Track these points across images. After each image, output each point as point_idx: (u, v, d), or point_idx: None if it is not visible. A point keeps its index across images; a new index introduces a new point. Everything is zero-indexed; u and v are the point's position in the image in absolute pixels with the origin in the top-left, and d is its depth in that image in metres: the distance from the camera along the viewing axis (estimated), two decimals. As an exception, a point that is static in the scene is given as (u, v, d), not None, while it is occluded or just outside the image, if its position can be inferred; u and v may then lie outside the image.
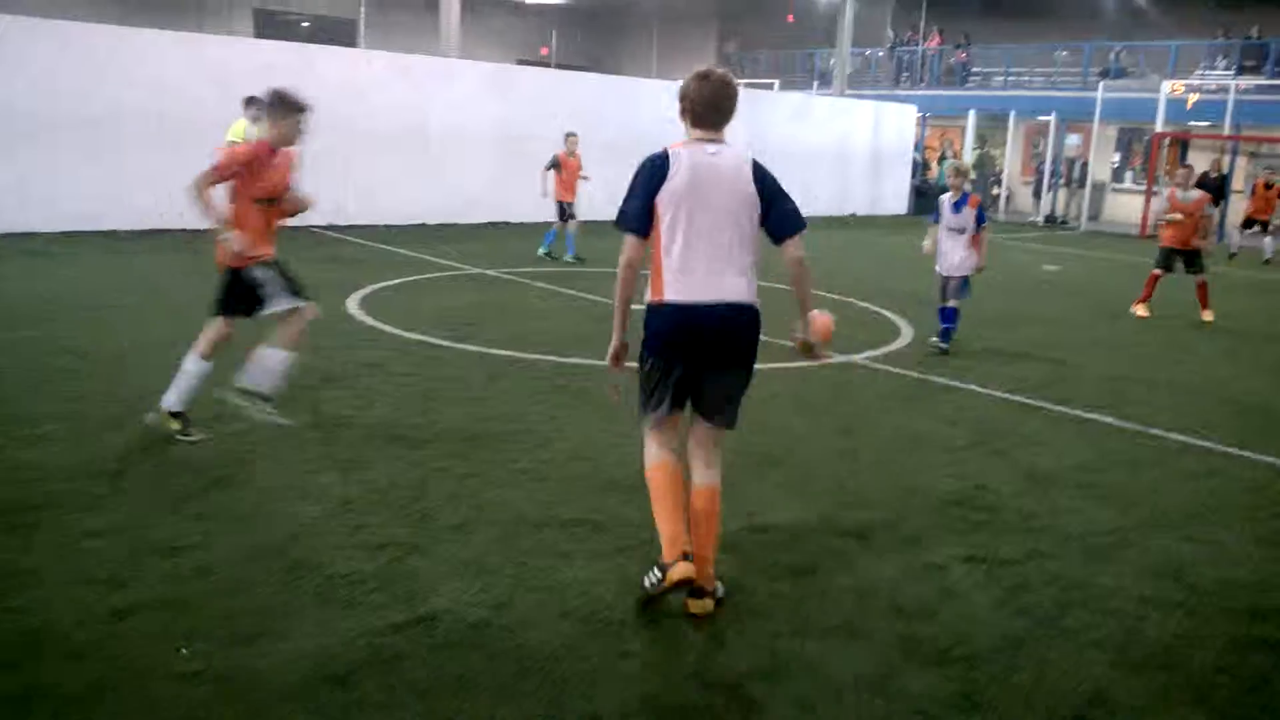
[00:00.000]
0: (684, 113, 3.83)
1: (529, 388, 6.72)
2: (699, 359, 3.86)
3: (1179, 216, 10.99)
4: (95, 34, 13.67)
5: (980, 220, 8.53)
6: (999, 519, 4.83)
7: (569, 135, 13.32)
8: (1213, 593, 4.13)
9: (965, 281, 8.62)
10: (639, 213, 3.73)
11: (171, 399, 5.36)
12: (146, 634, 3.36)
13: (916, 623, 3.73)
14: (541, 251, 13.39)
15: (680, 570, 3.56)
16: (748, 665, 3.37)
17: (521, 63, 34.65)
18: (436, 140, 16.85)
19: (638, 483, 4.97)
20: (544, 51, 40.52)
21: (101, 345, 7.29)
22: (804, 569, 4.14)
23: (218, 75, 14.34)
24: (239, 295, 5.37)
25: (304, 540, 4.14)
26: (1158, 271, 11.31)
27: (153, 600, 3.58)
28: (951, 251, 8.58)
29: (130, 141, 13.70)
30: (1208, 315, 10.96)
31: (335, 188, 15.71)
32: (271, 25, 33.37)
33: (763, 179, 3.81)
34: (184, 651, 3.26)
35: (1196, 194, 11.16)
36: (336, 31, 34.65)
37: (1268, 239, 18.42)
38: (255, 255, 5.34)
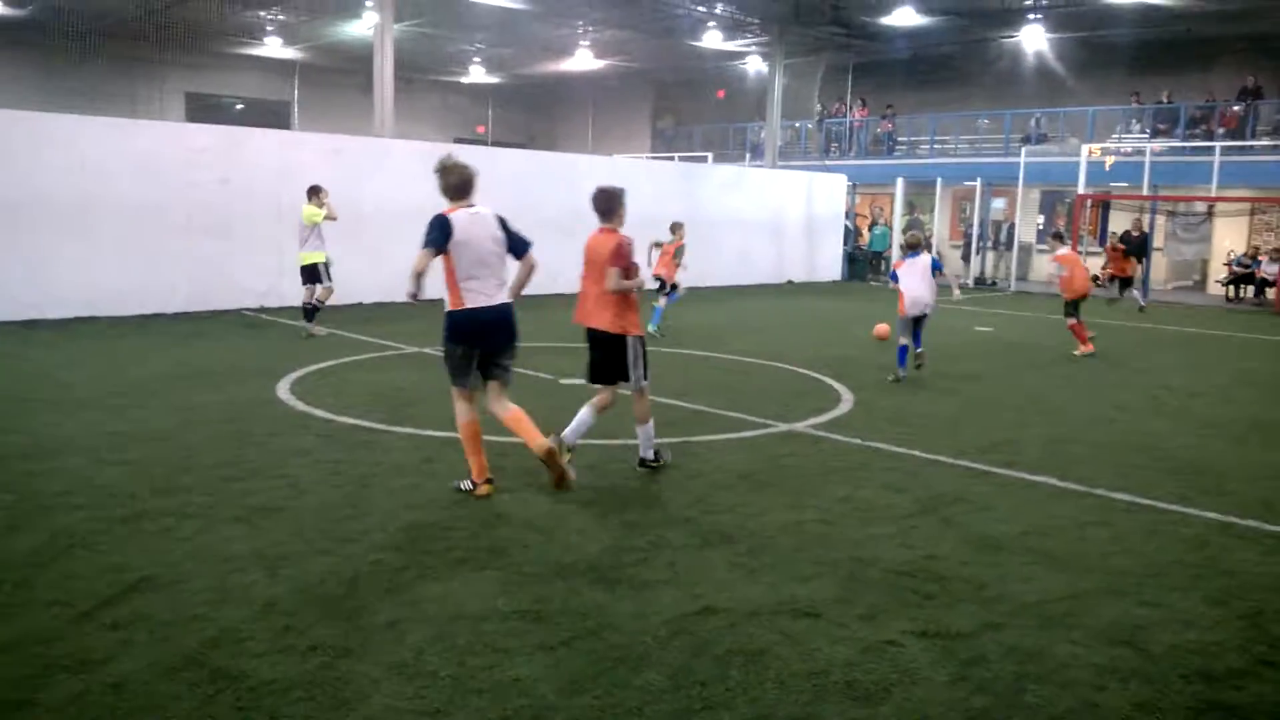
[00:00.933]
0: (444, 192, 5.94)
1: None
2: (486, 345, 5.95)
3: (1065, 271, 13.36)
4: (15, 120, 13.38)
5: (935, 266, 10.72)
6: (951, 589, 4.74)
7: (675, 223, 14.19)
8: (1168, 658, 4.06)
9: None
10: (439, 242, 5.70)
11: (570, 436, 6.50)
12: (49, 762, 3.10)
13: (874, 706, 3.60)
14: (653, 329, 13.34)
15: (485, 489, 5.97)
16: (700, 763, 3.19)
17: (458, 141, 34.89)
18: (371, 219, 16.71)
19: (582, 567, 4.83)
20: (480, 129, 40.88)
21: (7, 440, 6.94)
22: (757, 653, 3.99)
23: (146, 161, 14.14)
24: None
25: (225, 647, 3.89)
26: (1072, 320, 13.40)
27: (58, 722, 3.31)
28: (920, 291, 10.50)
29: (52, 228, 13.35)
30: (1086, 348, 13.17)
31: (268, 269, 15.49)
32: (204, 108, 33.25)
33: (504, 224, 6.01)
34: (90, 779, 3.00)
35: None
36: (270, 113, 34.63)
37: (1135, 292, 20.10)
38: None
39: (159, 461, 6.54)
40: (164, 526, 5.27)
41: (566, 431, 6.46)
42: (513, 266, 6.02)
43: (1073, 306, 13.20)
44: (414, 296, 5.55)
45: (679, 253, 13.99)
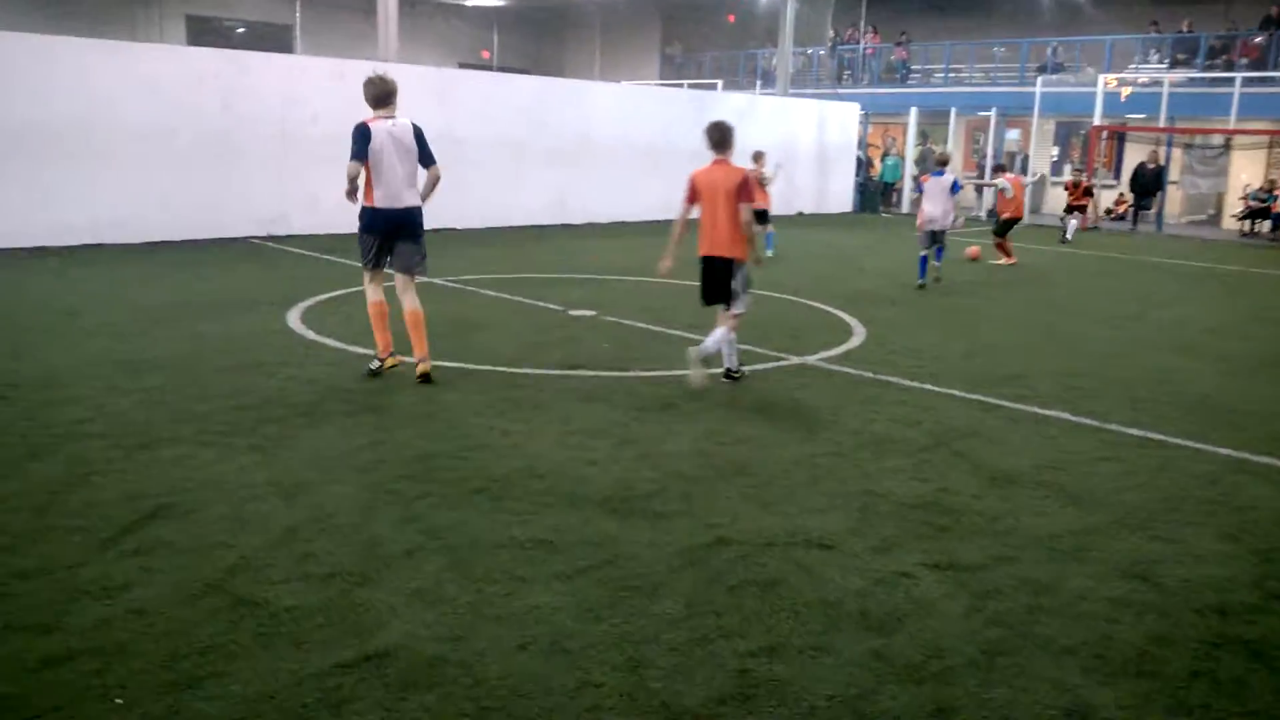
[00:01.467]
0: (367, 102, 6.76)
1: (479, 401, 6.53)
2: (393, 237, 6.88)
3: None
4: (14, 43, 13.17)
5: (955, 187, 12.29)
6: (964, 523, 4.76)
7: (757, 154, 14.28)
8: (1181, 592, 4.09)
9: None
10: (360, 153, 6.57)
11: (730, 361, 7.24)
12: (78, 683, 3.14)
13: (888, 637, 3.63)
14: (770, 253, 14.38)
15: (391, 361, 7.05)
16: (718, 691, 3.23)
17: (462, 66, 34.35)
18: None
19: (597, 498, 4.85)
20: (485, 55, 40.20)
21: (22, 369, 6.95)
22: (770, 583, 4.01)
23: (149, 84, 13.94)
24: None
25: (246, 574, 3.93)
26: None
27: (85, 646, 3.36)
28: (932, 208, 12.15)
29: (57, 154, 13.22)
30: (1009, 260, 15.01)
31: (275, 197, 15.37)
32: (205, 32, 32.68)
33: (419, 136, 6.82)
34: (119, 701, 3.05)
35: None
36: (272, 37, 34.04)
37: (1072, 220, 20.17)
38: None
39: (172, 390, 6.55)
40: (180, 454, 5.29)
41: (706, 348, 7.00)
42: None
43: (1006, 226, 15.04)
44: (352, 198, 6.65)
45: (763, 181, 14.35)
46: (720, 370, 7.27)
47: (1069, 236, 19.92)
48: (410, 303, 6.94)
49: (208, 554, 4.10)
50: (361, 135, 6.60)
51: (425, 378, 6.87)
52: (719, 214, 6.93)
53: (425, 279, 11.05)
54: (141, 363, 7.23)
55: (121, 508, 4.55)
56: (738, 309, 7.08)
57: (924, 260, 12.26)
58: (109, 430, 5.65)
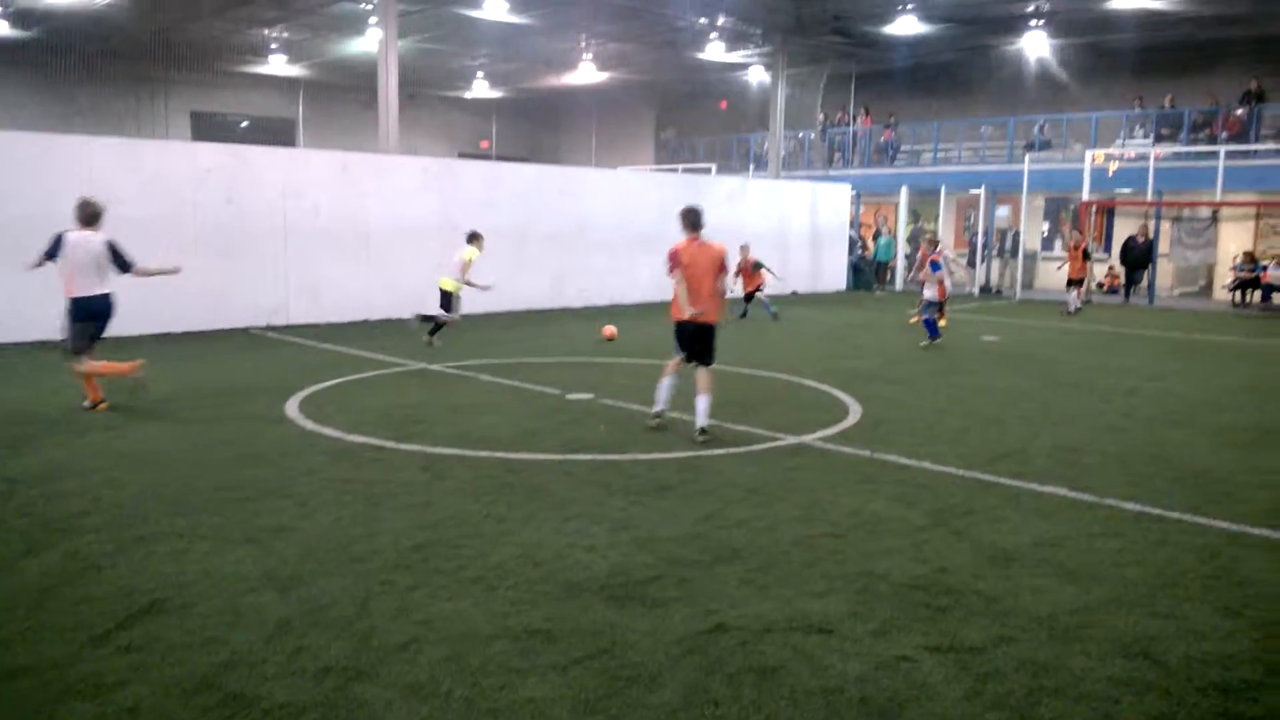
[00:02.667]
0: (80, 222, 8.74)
1: (476, 488, 6.53)
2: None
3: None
4: (21, 142, 13.47)
5: (935, 267, 14.50)
6: (963, 603, 4.73)
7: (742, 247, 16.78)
8: (1182, 670, 4.05)
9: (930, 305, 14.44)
10: (51, 253, 8.71)
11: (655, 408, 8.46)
12: (65, 788, 3.10)
13: (888, 723, 3.59)
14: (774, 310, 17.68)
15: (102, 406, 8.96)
16: (715, 782, 3.19)
17: (462, 155, 35.06)
18: (378, 235, 16.79)
19: (594, 586, 4.83)
20: (484, 144, 41.03)
21: (21, 463, 6.97)
22: (770, 670, 3.98)
23: (154, 179, 14.21)
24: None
25: (239, 669, 3.90)
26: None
27: (74, 748, 3.32)
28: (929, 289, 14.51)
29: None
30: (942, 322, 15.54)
31: (276, 287, 15.55)
32: (209, 127, 33.44)
33: (111, 245, 8.72)
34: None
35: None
36: (275, 131, 34.82)
37: (1072, 293, 20.44)
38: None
39: (170, 482, 6.56)
40: (176, 548, 5.29)
41: (659, 405, 8.44)
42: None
43: (940, 307, 15.05)
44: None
45: (756, 266, 18.31)
46: (657, 420, 8.47)
47: (1071, 310, 20.20)
48: (87, 365, 8.90)
49: (201, 649, 4.08)
50: (54, 241, 8.66)
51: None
52: (703, 284, 8.14)
53: (416, 364, 11.09)
54: (141, 455, 7.25)
55: (116, 603, 4.53)
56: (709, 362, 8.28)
57: (930, 324, 14.42)
58: (106, 523, 5.65)
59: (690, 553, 5.36)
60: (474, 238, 13.70)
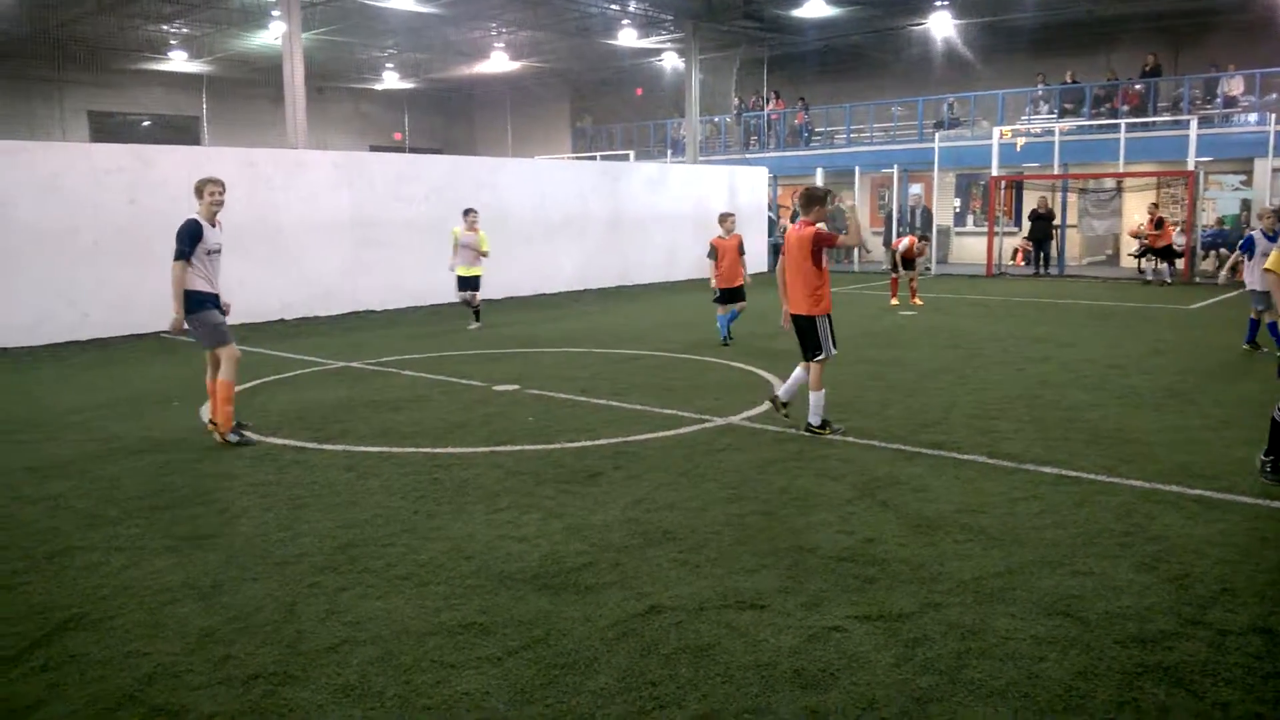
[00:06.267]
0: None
1: (403, 485, 6.44)
2: None
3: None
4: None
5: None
6: (891, 571, 4.81)
7: (725, 215, 13.17)
8: (1103, 625, 4.18)
9: None
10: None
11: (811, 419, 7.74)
12: (-19, 816, 2.98)
13: (823, 693, 3.63)
14: (724, 337, 12.90)
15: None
16: (655, 763, 3.19)
17: (374, 148, 34.47)
18: (289, 233, 16.43)
19: (526, 576, 4.80)
20: (397, 136, 40.39)
21: (-73, 483, 6.67)
22: (704, 649, 4.00)
23: (50, 183, 13.68)
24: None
25: (162, 681, 3.78)
26: (895, 275, 17.73)
27: (-12, 774, 3.19)
28: None
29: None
30: (917, 301, 17.17)
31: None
32: (109, 127, 32.30)
33: (177, 232, 7.46)
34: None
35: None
36: (179, 129, 33.81)
37: (1164, 265, 21.21)
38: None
39: (82, 494, 6.33)
40: (91, 562, 5.11)
41: (781, 390, 8.00)
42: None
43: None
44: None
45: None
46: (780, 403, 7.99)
47: (1168, 280, 21.07)
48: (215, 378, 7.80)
49: (122, 664, 3.95)
50: (194, 232, 7.52)
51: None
52: (791, 274, 7.73)
53: (336, 363, 10.94)
54: (50, 468, 6.99)
55: (29, 622, 4.36)
56: (825, 357, 7.67)
57: None
58: (13, 541, 5.43)
59: (622, 538, 5.36)
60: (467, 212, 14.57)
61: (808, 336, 7.66)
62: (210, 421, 7.71)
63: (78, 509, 6.02)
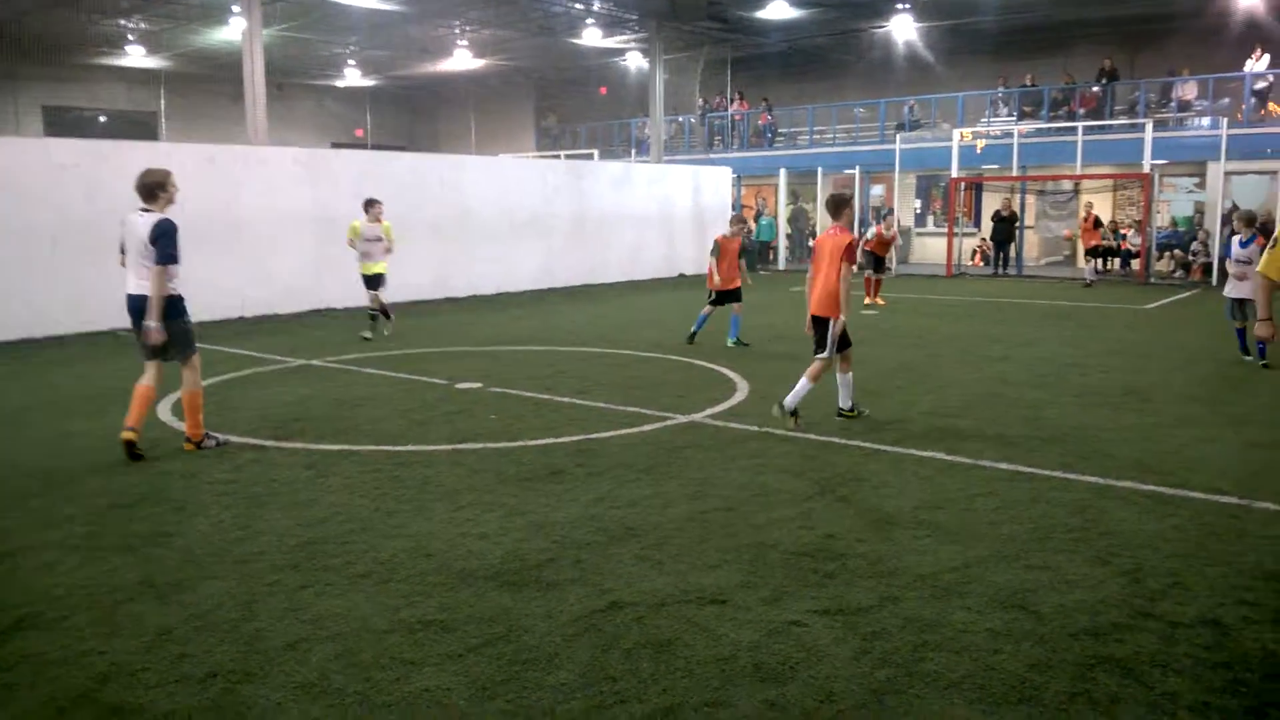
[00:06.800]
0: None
1: (364, 483, 6.40)
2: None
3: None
4: None
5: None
6: (850, 566, 4.86)
7: (735, 215, 12.99)
8: (1056, 618, 4.25)
9: None
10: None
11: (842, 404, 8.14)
12: (-71, 818, 2.93)
13: (782, 686, 3.67)
14: (693, 331, 12.70)
15: (125, 435, 6.95)
16: (615, 757, 3.21)
17: (335, 145, 34.15)
18: (249, 230, 16.25)
19: (488, 573, 4.80)
20: (359, 133, 40.08)
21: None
22: (665, 644, 4.02)
23: (5, 180, 13.43)
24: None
25: (118, 680, 3.74)
26: (868, 274, 17.82)
27: (-63, 776, 3.14)
28: None
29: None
30: (879, 301, 17.52)
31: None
32: (64, 123, 31.75)
33: (156, 230, 6.80)
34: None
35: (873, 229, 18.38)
36: (137, 125, 33.32)
37: (1089, 265, 21.57)
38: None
39: (35, 493, 6.23)
40: (45, 561, 5.03)
41: (787, 399, 7.84)
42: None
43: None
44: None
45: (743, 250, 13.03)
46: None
47: (1089, 281, 21.21)
48: (186, 384, 7.27)
49: (77, 663, 3.90)
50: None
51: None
52: (816, 276, 7.93)
53: (296, 360, 10.90)
54: (2, 468, 6.87)
55: (-20, 623, 4.28)
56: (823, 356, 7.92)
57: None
58: (-35, 542, 5.34)
59: (584, 534, 5.37)
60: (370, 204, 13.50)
61: (818, 336, 7.93)
62: (186, 440, 7.30)
63: (32, 509, 5.92)
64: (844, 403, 8.18)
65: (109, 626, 4.24)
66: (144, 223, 6.87)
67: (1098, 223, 22.38)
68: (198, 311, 15.01)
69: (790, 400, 7.83)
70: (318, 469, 6.75)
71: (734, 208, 27.37)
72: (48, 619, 4.32)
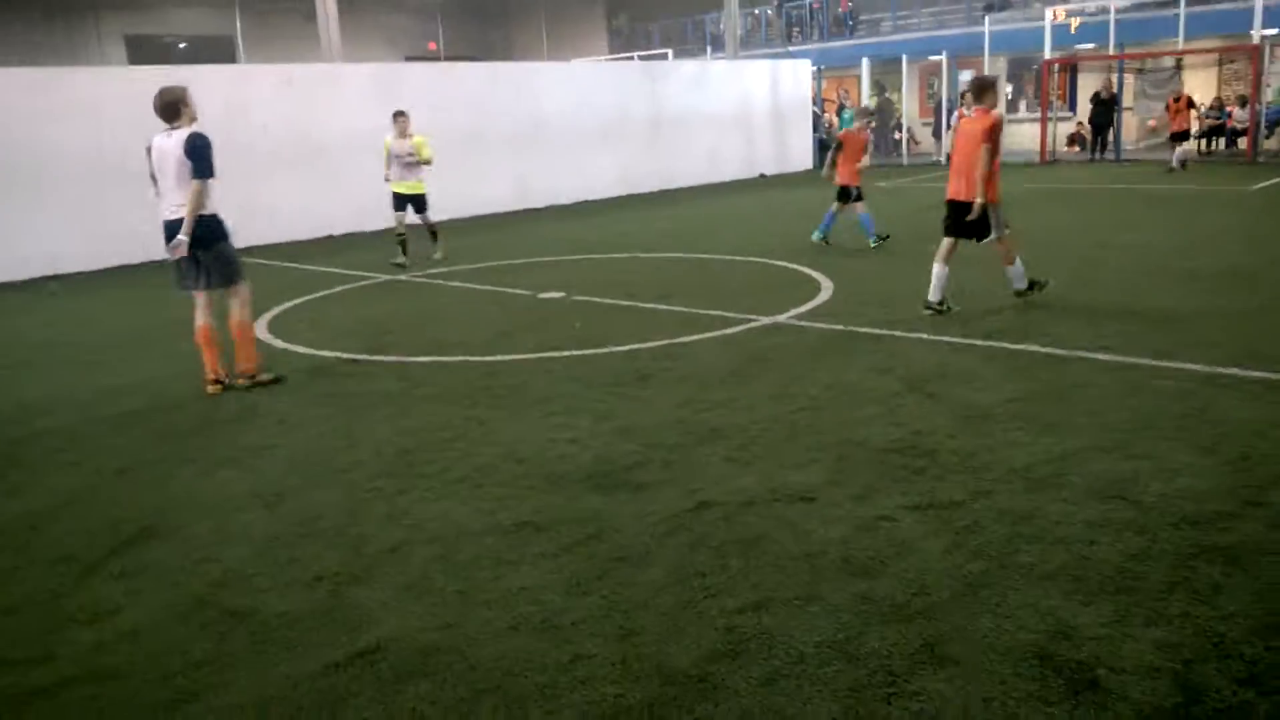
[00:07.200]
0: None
1: (455, 393, 6.54)
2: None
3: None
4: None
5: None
6: (940, 462, 4.81)
7: (862, 107, 12.34)
8: (1157, 508, 4.15)
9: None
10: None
11: (932, 296, 7.97)
12: (73, 711, 3.15)
13: (872, 580, 3.68)
14: (817, 237, 12.12)
15: (211, 389, 6.76)
16: (707, 649, 3.27)
17: (409, 59, 34.07)
18: (330, 148, 16.41)
19: (579, 476, 4.88)
20: (431, 46, 39.87)
21: (-1, 406, 6.91)
22: (754, 540, 4.06)
23: (90, 109, 13.76)
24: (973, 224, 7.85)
25: (233, 585, 3.94)
26: None
27: (77, 673, 3.36)
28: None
29: (12, 189, 13.07)
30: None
31: (230, 209, 15.18)
32: (146, 50, 32.27)
33: (189, 144, 6.50)
34: (116, 724, 3.06)
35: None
36: (214, 49, 33.66)
37: (1176, 149, 19.62)
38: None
39: (150, 411, 6.52)
40: (158, 475, 5.29)
41: (931, 294, 7.95)
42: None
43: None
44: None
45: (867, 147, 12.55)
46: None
47: (1176, 165, 19.24)
48: (238, 314, 6.91)
49: (194, 570, 4.11)
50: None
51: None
52: (961, 159, 7.89)
53: (383, 276, 11.04)
54: (119, 388, 7.19)
55: (104, 534, 4.54)
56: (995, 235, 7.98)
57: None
58: (86, 458, 5.63)
59: (672, 437, 5.41)
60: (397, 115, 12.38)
61: (974, 223, 7.80)
62: (239, 376, 6.88)
63: (147, 426, 6.21)
64: (934, 295, 8.01)
65: (222, 535, 4.45)
66: (174, 141, 6.52)
67: (1190, 103, 21.06)
68: (285, 232, 15.43)
69: (933, 294, 7.93)
70: (410, 380, 6.91)
71: (815, 102, 26.61)
72: (165, 530, 4.56)
